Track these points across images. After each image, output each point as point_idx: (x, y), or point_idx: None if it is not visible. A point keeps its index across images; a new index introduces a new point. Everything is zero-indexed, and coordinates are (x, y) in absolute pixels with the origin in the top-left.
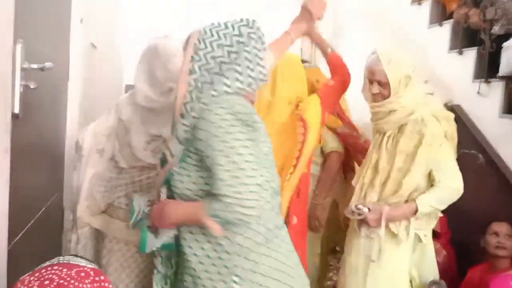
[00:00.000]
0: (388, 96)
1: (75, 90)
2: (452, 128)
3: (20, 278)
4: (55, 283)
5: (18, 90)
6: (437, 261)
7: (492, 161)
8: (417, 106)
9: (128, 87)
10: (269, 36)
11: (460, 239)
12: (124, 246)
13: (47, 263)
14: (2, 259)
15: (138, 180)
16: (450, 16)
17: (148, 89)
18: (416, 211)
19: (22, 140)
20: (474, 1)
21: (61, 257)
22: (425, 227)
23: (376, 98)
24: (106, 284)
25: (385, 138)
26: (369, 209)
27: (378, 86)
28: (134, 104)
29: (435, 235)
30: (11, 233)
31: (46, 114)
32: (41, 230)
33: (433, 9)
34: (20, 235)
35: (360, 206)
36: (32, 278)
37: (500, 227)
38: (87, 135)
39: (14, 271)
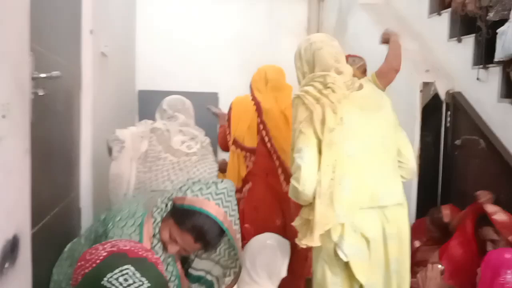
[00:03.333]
0: None
1: (88, 97)
2: (325, 108)
3: (90, 247)
4: (128, 247)
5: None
6: None
7: (492, 145)
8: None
9: (141, 93)
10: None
11: None
12: None
13: (112, 240)
14: (27, 239)
15: (177, 163)
16: (448, 5)
17: (184, 117)
18: None
19: (34, 144)
20: None
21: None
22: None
23: None
24: (159, 262)
25: None
26: None
27: None
28: (169, 122)
29: None
30: (33, 223)
31: (60, 119)
32: (60, 225)
33: None
34: (40, 225)
35: None
36: (105, 246)
37: None
38: (127, 134)
39: (37, 254)
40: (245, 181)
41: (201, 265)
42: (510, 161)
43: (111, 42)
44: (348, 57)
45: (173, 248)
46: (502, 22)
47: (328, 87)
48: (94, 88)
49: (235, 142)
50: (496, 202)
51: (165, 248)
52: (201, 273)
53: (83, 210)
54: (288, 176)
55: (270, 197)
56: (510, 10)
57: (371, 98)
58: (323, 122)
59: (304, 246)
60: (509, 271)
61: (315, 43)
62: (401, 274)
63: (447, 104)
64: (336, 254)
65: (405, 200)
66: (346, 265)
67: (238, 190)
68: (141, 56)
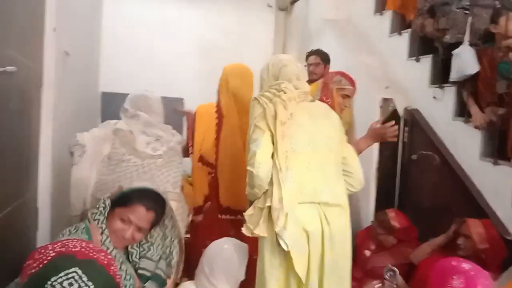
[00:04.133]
0: None
1: (48, 96)
2: (276, 105)
3: (41, 246)
4: (78, 248)
5: None
6: None
7: (446, 161)
8: None
9: (105, 95)
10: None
11: (421, 231)
12: None
13: (63, 239)
14: None
15: (141, 165)
16: (409, 26)
17: (147, 116)
18: None
19: None
20: (429, 12)
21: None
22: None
23: None
24: (114, 263)
25: None
26: None
27: None
28: (131, 121)
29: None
30: None
31: (14, 116)
32: (13, 224)
33: (393, 19)
34: None
35: None
36: (55, 245)
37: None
38: (88, 138)
39: None
40: (206, 199)
41: (148, 266)
42: (462, 176)
43: (75, 41)
44: (337, 73)
45: (128, 231)
46: (458, 44)
47: (281, 90)
48: (55, 86)
49: (201, 159)
50: (448, 213)
51: (115, 244)
52: (149, 273)
53: (40, 210)
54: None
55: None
56: (464, 34)
57: (320, 109)
58: (274, 117)
59: (251, 236)
60: (455, 277)
61: (283, 61)
62: (340, 279)
63: (405, 120)
64: (278, 245)
65: (347, 204)
66: (286, 258)
67: (200, 208)
68: (105, 57)
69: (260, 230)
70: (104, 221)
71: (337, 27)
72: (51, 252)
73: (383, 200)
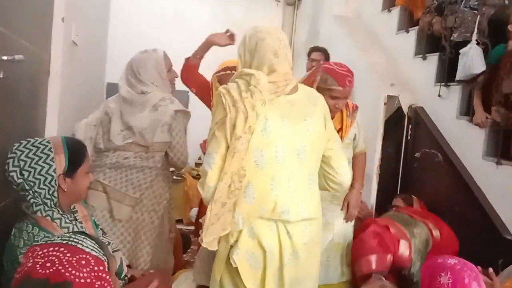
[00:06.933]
0: None
1: (55, 85)
2: (238, 113)
3: (33, 246)
4: (53, 268)
5: None
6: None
7: (449, 159)
8: None
9: (110, 85)
10: None
11: None
12: (100, 213)
13: (59, 240)
14: None
15: (113, 156)
16: (416, 24)
17: (127, 89)
18: None
19: None
20: (438, 10)
21: (73, 236)
22: None
23: None
24: (104, 275)
25: None
26: None
27: None
28: (118, 99)
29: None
30: None
31: (22, 104)
32: (14, 215)
33: (401, 16)
34: None
35: None
36: (40, 252)
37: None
38: (81, 126)
39: None
40: None
41: None
42: (464, 174)
43: (82, 32)
44: (323, 69)
45: (88, 179)
46: (465, 43)
47: (249, 90)
48: (62, 75)
49: None
50: (450, 212)
51: (74, 215)
52: None
53: None
54: None
55: None
56: (472, 33)
57: (297, 106)
58: (234, 127)
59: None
60: (442, 274)
61: (261, 33)
62: None
63: (409, 118)
64: (228, 261)
65: (317, 213)
66: (237, 275)
67: None
68: (112, 48)
69: (211, 244)
70: (58, 214)
71: (344, 24)
72: (29, 261)
73: (385, 197)
